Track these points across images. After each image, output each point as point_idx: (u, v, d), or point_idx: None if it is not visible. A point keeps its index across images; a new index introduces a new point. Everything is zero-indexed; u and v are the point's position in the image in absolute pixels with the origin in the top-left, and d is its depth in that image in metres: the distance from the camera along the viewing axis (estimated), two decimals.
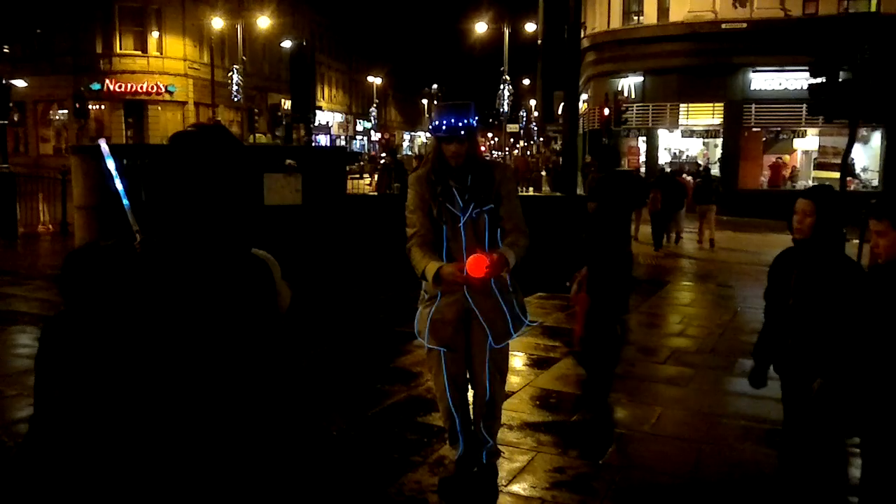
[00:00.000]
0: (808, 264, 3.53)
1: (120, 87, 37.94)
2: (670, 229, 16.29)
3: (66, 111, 37.49)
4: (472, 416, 4.14)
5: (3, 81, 15.57)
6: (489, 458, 4.15)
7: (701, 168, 20.91)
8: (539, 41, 13.01)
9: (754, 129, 25.28)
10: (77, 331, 1.73)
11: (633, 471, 4.52)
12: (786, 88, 23.89)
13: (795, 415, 3.62)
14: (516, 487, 4.26)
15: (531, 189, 29.76)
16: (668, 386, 6.30)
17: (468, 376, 4.12)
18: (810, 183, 23.47)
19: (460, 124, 3.77)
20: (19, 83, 34.09)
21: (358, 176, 32.66)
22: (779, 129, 25.35)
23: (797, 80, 21.65)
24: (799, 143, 25.38)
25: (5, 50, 32.74)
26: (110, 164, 6.40)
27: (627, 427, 5.28)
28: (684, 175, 20.61)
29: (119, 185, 6.09)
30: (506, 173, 4.09)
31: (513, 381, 6.23)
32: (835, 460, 3.52)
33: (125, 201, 5.93)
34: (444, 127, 3.79)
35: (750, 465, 4.66)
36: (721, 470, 4.60)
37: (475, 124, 3.85)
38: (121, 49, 38.45)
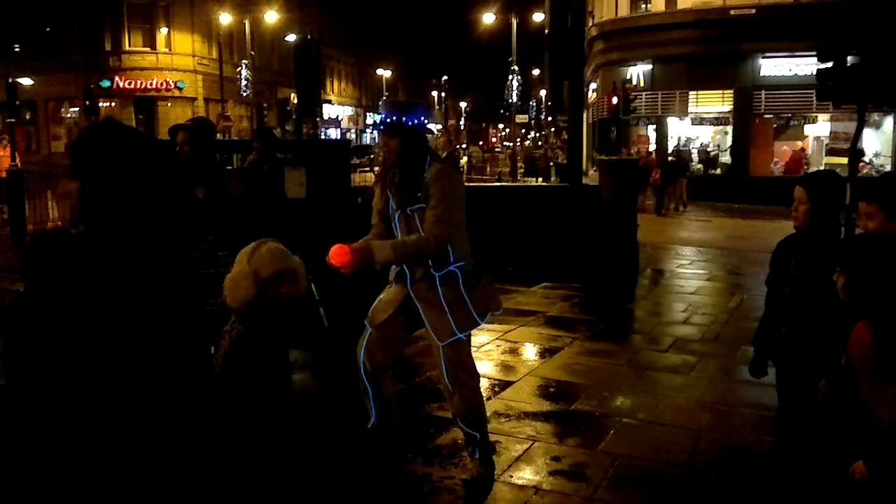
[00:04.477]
0: (806, 252, 3.49)
1: (129, 83, 38.11)
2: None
3: (76, 109, 37.64)
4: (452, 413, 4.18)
5: (10, 80, 15.68)
6: (482, 453, 4.14)
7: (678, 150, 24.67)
8: (546, 31, 12.95)
9: (765, 116, 25.06)
10: (39, 313, 1.73)
11: (629, 458, 4.51)
12: (795, 74, 23.63)
13: (789, 402, 3.60)
14: (513, 476, 4.26)
15: (541, 179, 29.72)
16: (670, 374, 6.28)
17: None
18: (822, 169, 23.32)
19: (387, 120, 3.83)
20: (27, 81, 34.34)
21: (368, 169, 32.68)
22: (789, 115, 25.11)
23: (807, 65, 21.40)
24: (810, 129, 25.15)
25: (16, 49, 32.97)
26: None
27: (627, 415, 5.26)
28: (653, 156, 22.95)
29: None
30: (440, 174, 3.84)
31: (515, 370, 6.25)
32: (829, 445, 3.49)
33: None
34: (377, 121, 3.93)
35: (748, 452, 4.64)
36: (719, 457, 4.59)
37: (409, 122, 3.83)
38: (130, 46, 38.59)
